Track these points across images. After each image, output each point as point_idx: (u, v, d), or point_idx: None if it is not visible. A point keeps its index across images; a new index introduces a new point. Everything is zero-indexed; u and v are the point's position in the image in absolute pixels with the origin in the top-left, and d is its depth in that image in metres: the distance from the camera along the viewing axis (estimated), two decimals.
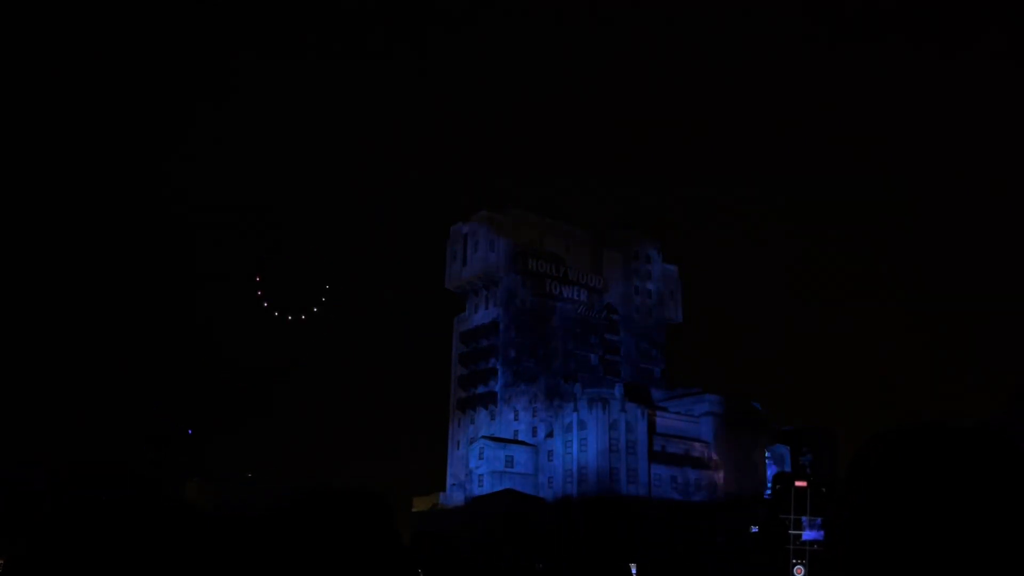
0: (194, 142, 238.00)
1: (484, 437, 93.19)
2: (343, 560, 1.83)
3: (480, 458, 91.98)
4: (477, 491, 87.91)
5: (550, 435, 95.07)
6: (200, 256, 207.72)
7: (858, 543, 1.38)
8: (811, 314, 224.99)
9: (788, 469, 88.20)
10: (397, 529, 2.01)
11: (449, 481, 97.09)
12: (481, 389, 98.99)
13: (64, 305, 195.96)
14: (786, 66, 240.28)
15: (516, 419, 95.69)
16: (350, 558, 1.84)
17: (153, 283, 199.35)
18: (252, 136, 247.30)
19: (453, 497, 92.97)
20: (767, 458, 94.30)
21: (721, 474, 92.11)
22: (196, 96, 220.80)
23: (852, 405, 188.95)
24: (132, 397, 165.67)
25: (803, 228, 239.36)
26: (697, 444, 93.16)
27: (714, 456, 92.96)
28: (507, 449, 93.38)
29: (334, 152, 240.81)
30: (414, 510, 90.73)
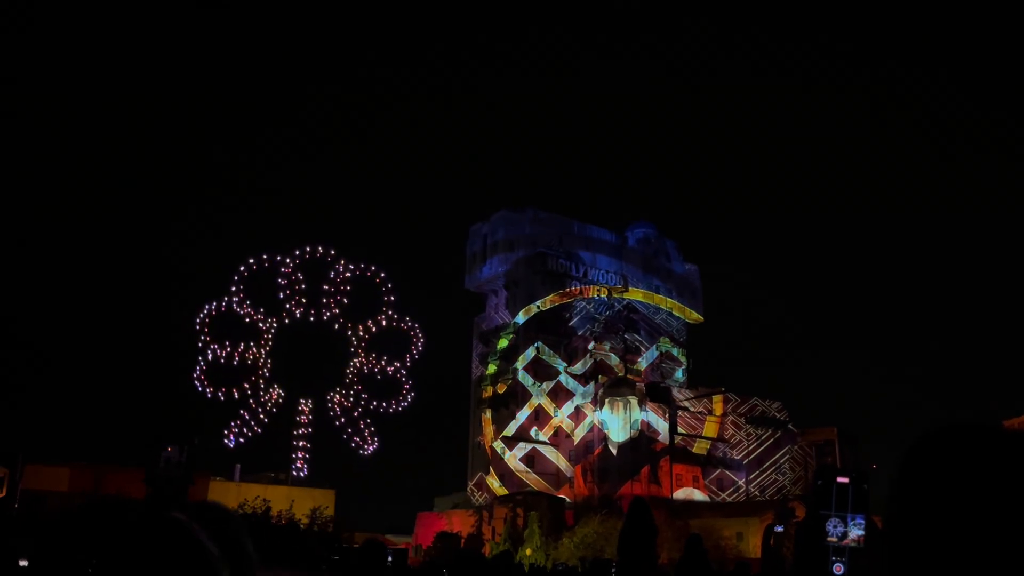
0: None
1: (503, 437, 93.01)
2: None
3: (500, 458, 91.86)
4: (498, 491, 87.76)
5: (570, 435, 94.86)
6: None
7: (921, 543, 1.33)
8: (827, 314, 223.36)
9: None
10: None
11: (469, 481, 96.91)
12: (501, 389, 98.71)
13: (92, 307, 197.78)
14: (794, 69, 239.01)
15: (536, 419, 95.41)
16: None
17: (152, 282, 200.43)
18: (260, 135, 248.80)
19: (473, 497, 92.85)
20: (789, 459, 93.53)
21: (743, 475, 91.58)
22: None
23: (871, 408, 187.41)
24: (139, 397, 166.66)
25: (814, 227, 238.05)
26: (719, 444, 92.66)
27: (736, 457, 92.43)
28: (527, 449, 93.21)
29: (349, 151, 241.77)
30: (435, 510, 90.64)
